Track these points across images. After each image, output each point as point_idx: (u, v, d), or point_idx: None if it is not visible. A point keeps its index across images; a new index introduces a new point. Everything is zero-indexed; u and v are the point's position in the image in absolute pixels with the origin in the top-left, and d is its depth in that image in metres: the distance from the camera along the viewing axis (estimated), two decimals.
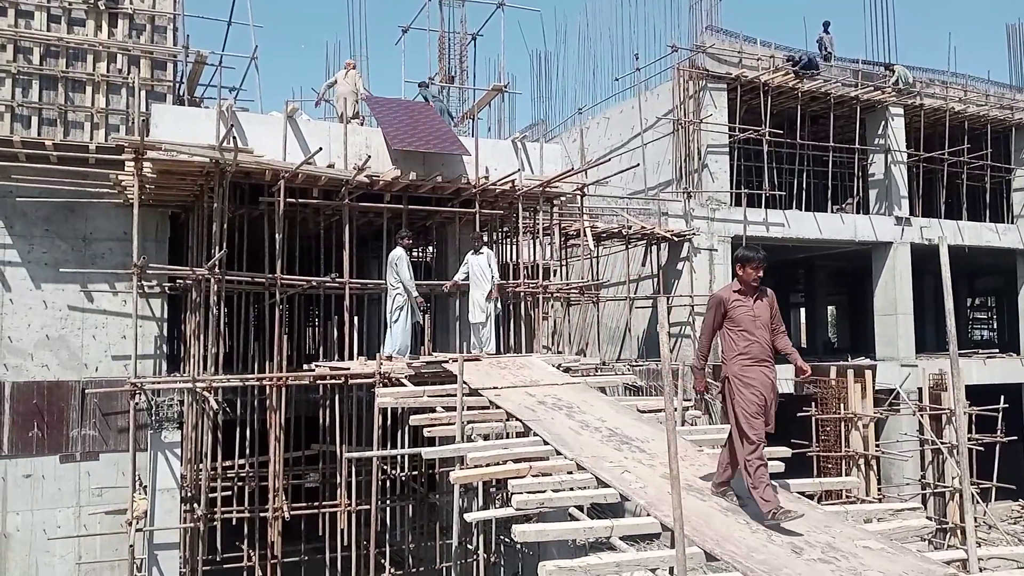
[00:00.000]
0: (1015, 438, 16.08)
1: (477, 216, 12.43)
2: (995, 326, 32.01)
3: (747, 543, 5.41)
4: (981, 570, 5.56)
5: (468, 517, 6.97)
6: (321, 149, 10.98)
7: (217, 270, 10.51)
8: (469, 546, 10.27)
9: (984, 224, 19.64)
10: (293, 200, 11.25)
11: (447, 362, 10.07)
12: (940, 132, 19.22)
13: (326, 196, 11.80)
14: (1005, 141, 20.68)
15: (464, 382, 8.69)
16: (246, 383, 10.79)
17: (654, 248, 16.83)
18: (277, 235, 11.02)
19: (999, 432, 15.28)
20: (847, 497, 13.09)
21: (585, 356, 14.54)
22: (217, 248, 10.41)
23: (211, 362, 10.45)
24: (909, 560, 5.23)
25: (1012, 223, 20.26)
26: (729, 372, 5.94)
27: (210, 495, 10.24)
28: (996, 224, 19.83)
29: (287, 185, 11.03)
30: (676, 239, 16.33)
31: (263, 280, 11.07)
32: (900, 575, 5.03)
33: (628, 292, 16.82)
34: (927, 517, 12.61)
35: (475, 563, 9.15)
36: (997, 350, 21.53)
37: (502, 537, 11.21)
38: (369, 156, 11.50)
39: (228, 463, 10.81)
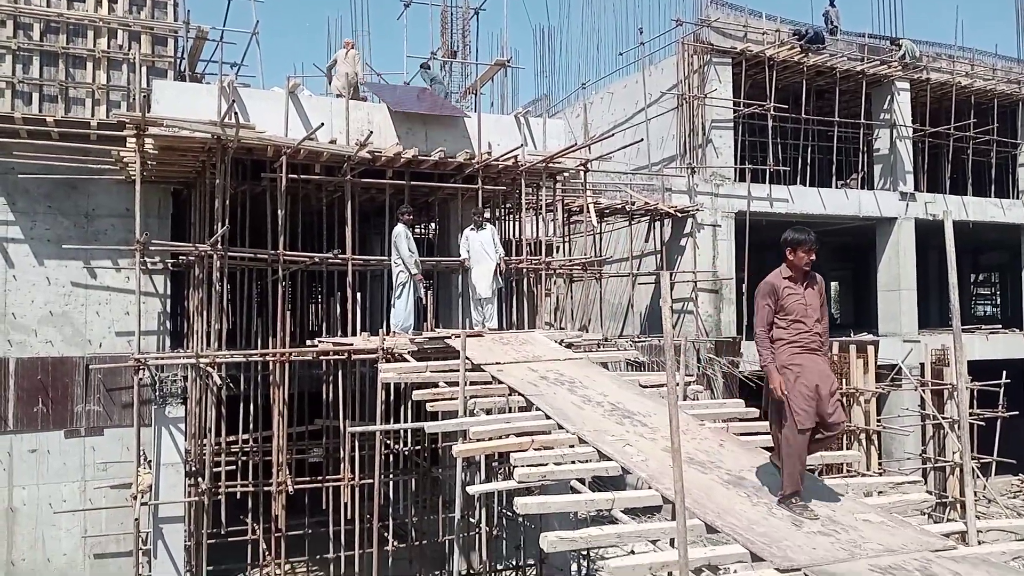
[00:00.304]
0: (1016, 413, 16.13)
1: (480, 192, 12.39)
2: (998, 302, 31.97)
3: (748, 516, 5.45)
4: (980, 542, 5.59)
5: (471, 490, 7.02)
6: (323, 125, 10.92)
7: (220, 246, 10.51)
8: (472, 519, 10.38)
9: (989, 199, 19.54)
10: (295, 176, 11.22)
11: (450, 338, 10.08)
12: (946, 107, 19.07)
13: (328, 172, 11.76)
14: (1012, 116, 20.51)
15: (467, 357, 8.72)
16: (249, 359, 10.84)
17: (657, 224, 16.78)
18: (279, 211, 11.00)
19: (1000, 407, 15.31)
20: (848, 471, 13.15)
21: (587, 332, 14.55)
22: (219, 224, 10.41)
23: (214, 338, 10.48)
24: (908, 533, 5.27)
25: (1017, 198, 20.16)
26: (779, 363, 5.51)
27: (214, 469, 10.33)
28: (1001, 199, 19.73)
29: (289, 161, 10.99)
30: (680, 215, 16.27)
31: (266, 256, 11.07)
32: (899, 547, 5.07)
33: (631, 268, 16.79)
34: (927, 491, 12.70)
35: (477, 536, 9.23)
36: (1000, 326, 21.52)
37: (504, 510, 11.31)
38: (371, 132, 11.45)
39: (232, 438, 10.89)
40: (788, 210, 17.10)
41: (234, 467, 10.74)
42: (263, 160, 11.29)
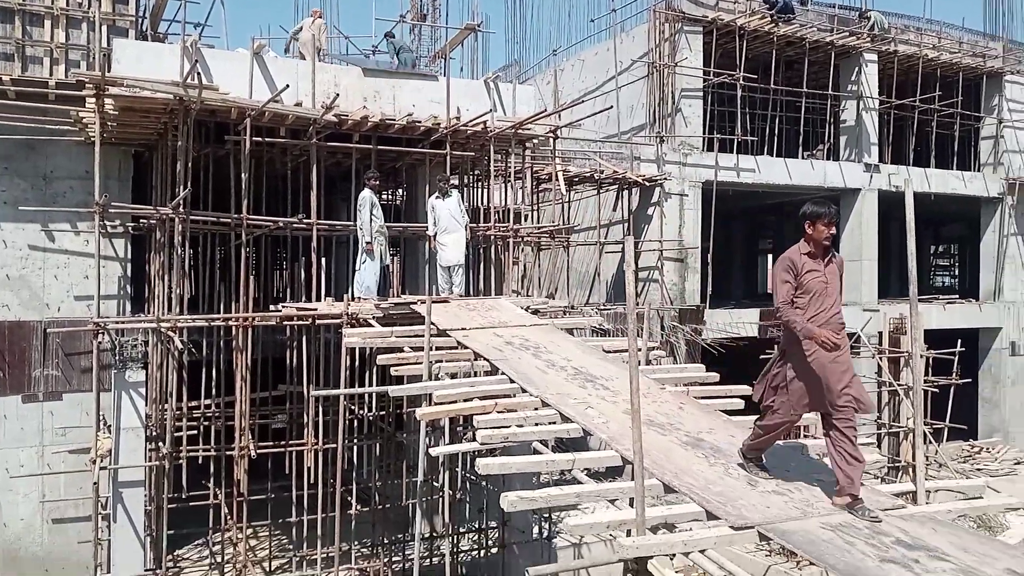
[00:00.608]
0: (969, 381, 16.50)
1: (448, 157, 12.29)
2: (957, 273, 32.65)
3: (705, 475, 5.55)
4: (928, 502, 5.75)
5: (433, 452, 7.06)
6: (288, 87, 10.73)
7: (181, 209, 10.34)
8: (435, 483, 10.45)
9: (951, 172, 19.82)
10: (259, 139, 11.03)
11: (416, 303, 10.06)
12: (912, 79, 19.23)
13: (293, 135, 11.58)
14: (976, 89, 20.75)
15: (432, 323, 8.71)
16: (212, 323, 10.72)
17: (625, 193, 16.80)
18: (243, 175, 10.82)
19: (954, 375, 15.69)
20: (805, 434, 13.38)
21: (554, 300, 14.61)
22: (181, 187, 10.23)
23: (176, 303, 10.35)
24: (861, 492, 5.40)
25: (978, 171, 20.48)
26: (791, 343, 5.24)
27: (176, 434, 10.26)
28: (963, 172, 20.02)
29: (253, 124, 10.79)
30: (648, 184, 16.31)
31: (229, 220, 10.91)
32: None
33: (598, 237, 16.84)
34: (880, 455, 12.99)
35: (440, 499, 9.30)
36: (957, 296, 21.98)
37: (468, 474, 11.39)
38: (337, 95, 11.27)
39: (194, 403, 10.80)
40: (755, 180, 17.22)
41: (196, 432, 10.67)
42: (227, 122, 11.08)
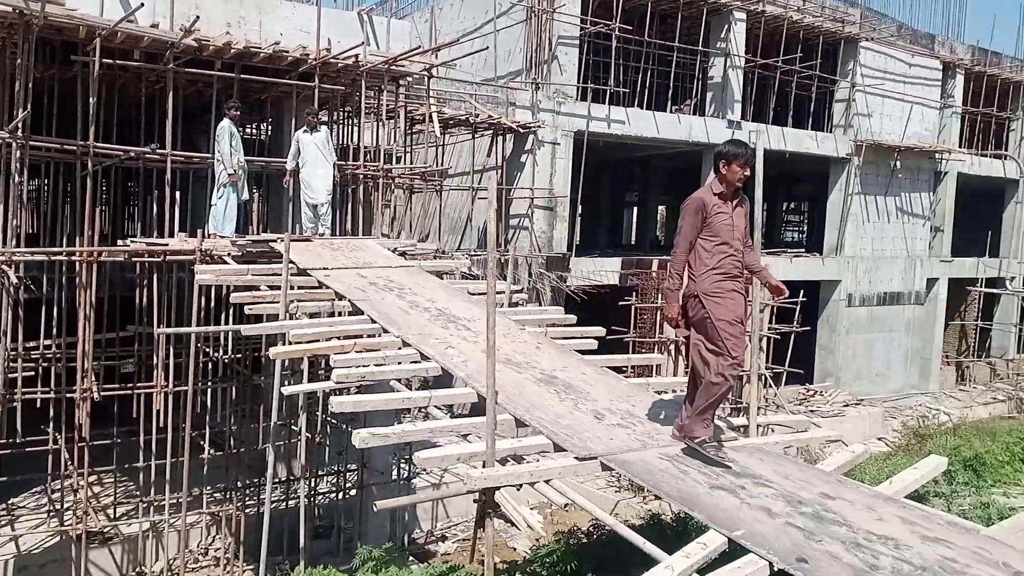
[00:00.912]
0: (808, 329, 17.69)
1: (316, 91, 11.83)
2: (805, 229, 34.86)
3: (555, 410, 5.73)
4: (760, 435, 6.19)
5: (285, 390, 6.93)
6: (143, 5, 9.95)
7: (20, 134, 9.49)
8: (294, 427, 10.28)
9: (806, 132, 20.91)
10: (111, 62, 10.21)
11: (275, 241, 9.72)
12: (777, 40, 19.99)
13: (149, 60, 10.77)
14: (834, 54, 21.87)
15: (292, 262, 8.49)
16: (53, 259, 9.99)
17: (500, 139, 16.78)
18: (91, 99, 10.01)
19: (795, 323, 16.83)
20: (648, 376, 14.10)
21: (425, 244, 14.51)
22: (20, 109, 9.37)
23: (11, 235, 9.56)
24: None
25: (830, 132, 21.72)
26: (699, 290, 5.05)
27: (10, 375, 9.57)
28: (817, 132, 21.19)
29: (104, 45, 9.95)
30: (522, 131, 16.33)
31: (74, 148, 10.10)
32: None
33: (471, 182, 16.78)
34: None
35: (298, 443, 9.18)
36: (803, 250, 23.45)
37: (328, 417, 11.28)
38: (198, 18, 10.51)
39: (32, 343, 10.08)
40: (624, 132, 17.58)
41: (33, 374, 9.97)
42: (75, 42, 10.17)
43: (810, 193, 30.52)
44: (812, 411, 17.91)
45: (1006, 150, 26.66)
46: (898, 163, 22.18)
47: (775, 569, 3.99)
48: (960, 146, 24.41)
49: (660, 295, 15.64)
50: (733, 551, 4.17)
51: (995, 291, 25.38)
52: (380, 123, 13.37)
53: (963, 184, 24.66)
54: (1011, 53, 25.91)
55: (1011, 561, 4.23)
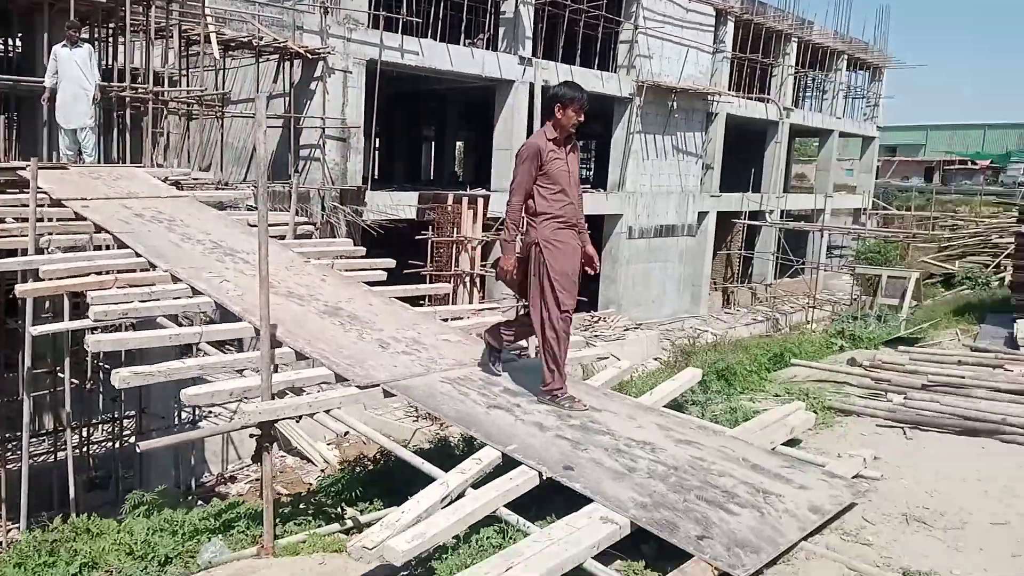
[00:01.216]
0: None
1: (72, 4, 10.53)
2: (592, 167, 36.56)
3: (338, 341, 5.65)
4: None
5: (34, 331, 6.29)
6: None
7: None
8: (61, 375, 9.40)
9: (592, 71, 21.63)
10: None
11: (23, 169, 8.67)
12: None
13: None
14: None
15: (44, 191, 7.63)
16: None
17: (287, 64, 15.90)
18: None
19: None
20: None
21: (206, 174, 13.57)
22: None
23: None
24: (479, 349, 5.89)
25: (615, 72, 22.66)
26: (539, 237, 4.96)
27: None
28: (603, 72, 22.01)
29: None
30: (311, 57, 15.55)
31: None
32: (469, 361, 5.68)
33: (257, 110, 15.81)
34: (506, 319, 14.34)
35: (63, 391, 8.43)
36: (590, 186, 24.57)
37: (101, 363, 10.44)
38: None
39: None
40: (418, 63, 17.28)
41: None
42: None
43: (598, 132, 31.90)
44: (596, 336, 19.05)
45: (768, 94, 29.26)
46: (675, 104, 23.63)
47: (545, 478, 4.23)
48: (729, 89, 26.45)
49: (455, 228, 15.79)
50: (508, 464, 4.37)
51: (757, 223, 28.12)
52: (150, 43, 12.20)
53: (731, 124, 26.81)
54: (776, 4, 28.24)
55: (748, 455, 4.78)
